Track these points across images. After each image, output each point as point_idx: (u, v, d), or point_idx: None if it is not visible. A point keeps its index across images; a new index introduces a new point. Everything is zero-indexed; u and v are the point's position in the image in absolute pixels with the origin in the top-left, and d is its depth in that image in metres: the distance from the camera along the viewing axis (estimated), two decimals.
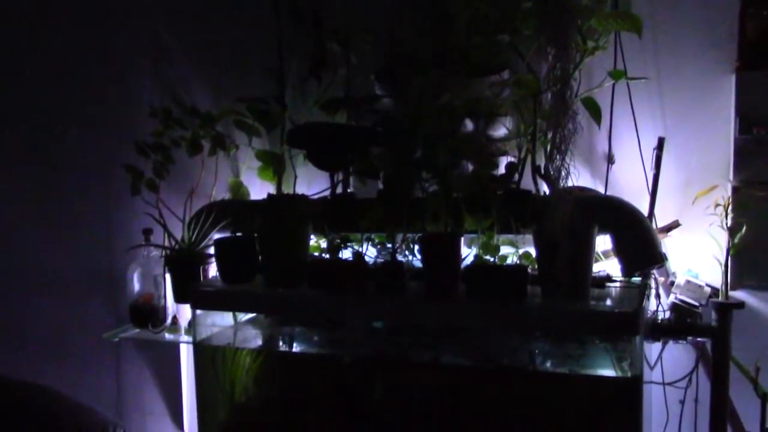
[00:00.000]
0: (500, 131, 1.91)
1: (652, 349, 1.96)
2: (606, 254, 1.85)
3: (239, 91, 2.10)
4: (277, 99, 2.04)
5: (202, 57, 2.47)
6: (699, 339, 1.88)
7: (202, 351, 2.03)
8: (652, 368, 1.96)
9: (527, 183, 1.80)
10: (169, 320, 2.28)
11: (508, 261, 1.74)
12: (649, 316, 1.81)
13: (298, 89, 2.08)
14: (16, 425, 1.94)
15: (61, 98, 2.51)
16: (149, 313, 2.25)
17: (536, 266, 1.67)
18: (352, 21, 2.12)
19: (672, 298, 1.86)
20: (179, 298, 2.12)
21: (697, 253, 1.94)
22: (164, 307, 2.25)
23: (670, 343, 1.92)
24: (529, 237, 1.67)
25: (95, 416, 2.00)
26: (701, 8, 1.92)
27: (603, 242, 1.83)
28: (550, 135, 1.71)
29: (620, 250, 1.71)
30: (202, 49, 2.47)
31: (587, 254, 1.59)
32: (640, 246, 1.69)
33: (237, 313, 2.12)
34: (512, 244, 1.75)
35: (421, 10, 1.96)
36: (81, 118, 2.50)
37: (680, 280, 1.88)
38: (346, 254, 1.85)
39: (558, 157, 1.69)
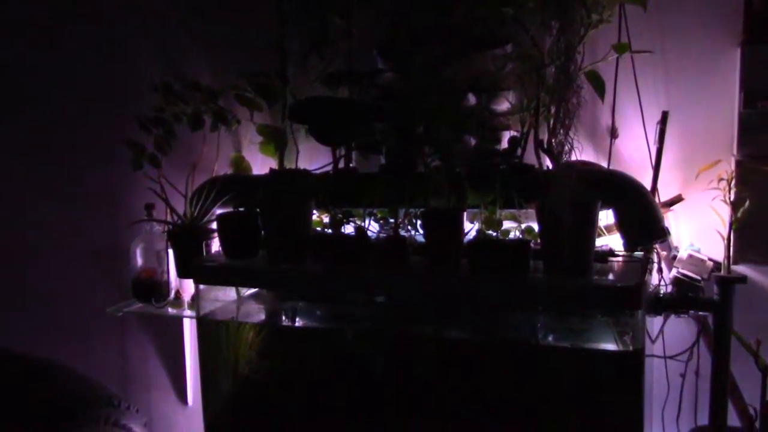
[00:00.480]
0: (503, 105, 1.90)
1: (654, 322, 1.96)
2: (608, 228, 1.85)
3: (241, 66, 2.09)
4: (279, 73, 2.03)
5: (203, 31, 2.45)
6: (701, 313, 1.89)
7: (206, 325, 2.04)
8: (653, 342, 1.97)
9: (530, 157, 1.80)
10: (172, 295, 2.28)
11: (511, 236, 1.74)
12: (651, 290, 1.82)
13: (299, 63, 2.07)
14: (20, 398, 1.96)
15: (63, 75, 2.50)
16: (152, 288, 2.25)
17: (539, 241, 1.67)
18: None
19: (674, 272, 1.86)
20: (182, 273, 2.12)
21: (699, 228, 1.94)
22: (167, 282, 2.25)
23: (672, 316, 1.92)
24: (532, 212, 1.67)
25: (100, 389, 2.02)
26: None
27: (606, 216, 1.83)
28: (553, 109, 1.70)
29: (623, 225, 1.71)
30: (203, 23, 2.45)
31: (590, 229, 1.59)
32: (643, 220, 1.69)
33: (240, 288, 2.13)
34: (515, 218, 1.75)
35: None
36: (83, 93, 2.49)
37: (683, 254, 1.88)
38: (349, 229, 1.85)
39: (561, 131, 1.68)
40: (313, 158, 2.13)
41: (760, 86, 1.83)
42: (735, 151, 1.87)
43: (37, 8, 2.43)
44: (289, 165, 2.06)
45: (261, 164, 2.29)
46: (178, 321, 2.51)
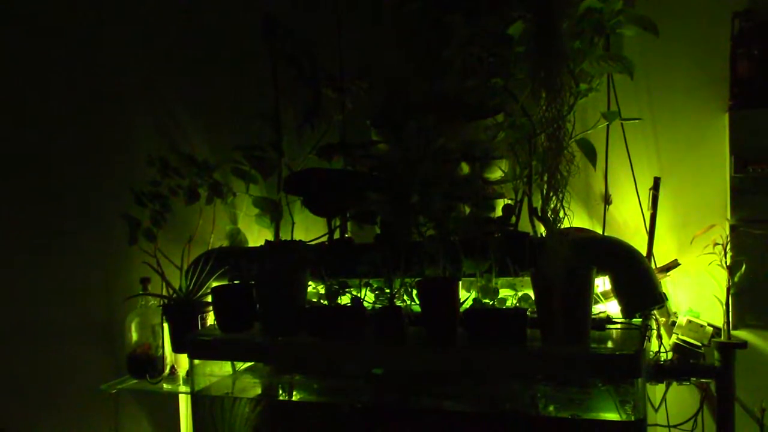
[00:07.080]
0: (496, 174, 1.91)
1: (656, 390, 1.93)
2: (606, 295, 1.83)
3: (236, 138, 2.11)
4: (274, 146, 2.05)
5: (199, 105, 2.49)
6: (703, 380, 1.86)
7: (201, 401, 2.01)
8: (656, 410, 1.93)
9: (524, 225, 1.80)
10: (167, 370, 2.25)
11: (508, 304, 1.73)
12: (651, 357, 1.79)
13: (294, 135, 2.09)
14: None
15: (59, 148, 2.52)
16: (147, 363, 2.23)
17: (535, 309, 1.65)
18: (348, 67, 2.14)
19: (674, 338, 1.84)
20: (177, 348, 2.10)
21: (697, 293, 1.93)
22: (162, 357, 2.23)
23: (674, 384, 1.89)
24: (529, 279, 1.66)
25: None
26: (692, 49, 1.94)
27: (603, 283, 1.82)
28: (545, 177, 1.71)
29: (619, 291, 1.70)
30: (199, 97, 2.49)
31: (586, 296, 1.58)
32: (640, 286, 1.68)
33: (236, 362, 2.10)
34: (511, 286, 1.74)
35: (415, 55, 1.99)
36: (79, 168, 2.51)
37: (681, 320, 1.87)
38: (345, 300, 1.84)
39: (554, 198, 1.69)
40: (308, 229, 2.13)
41: (750, 150, 1.84)
42: (728, 216, 1.88)
43: (38, 80, 2.47)
44: (284, 236, 2.06)
45: (257, 236, 2.29)
46: (173, 397, 2.47)
